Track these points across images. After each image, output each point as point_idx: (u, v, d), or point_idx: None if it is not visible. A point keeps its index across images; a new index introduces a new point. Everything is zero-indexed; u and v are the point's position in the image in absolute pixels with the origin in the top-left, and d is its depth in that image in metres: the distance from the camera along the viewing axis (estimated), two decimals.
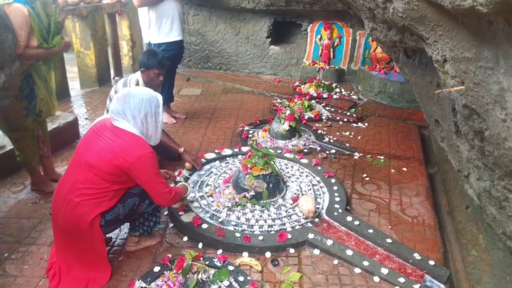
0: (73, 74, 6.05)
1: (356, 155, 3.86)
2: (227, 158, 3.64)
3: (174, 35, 4.30)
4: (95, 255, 2.25)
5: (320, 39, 6.00)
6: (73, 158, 2.30)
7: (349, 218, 2.81)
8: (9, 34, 2.58)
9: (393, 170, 3.61)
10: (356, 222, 2.78)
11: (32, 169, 3.14)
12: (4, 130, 3.00)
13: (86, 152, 2.19)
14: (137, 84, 3.26)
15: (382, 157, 3.82)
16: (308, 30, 6.06)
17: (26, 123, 2.97)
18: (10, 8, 2.59)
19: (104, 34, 5.69)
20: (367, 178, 3.48)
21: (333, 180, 3.30)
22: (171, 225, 2.82)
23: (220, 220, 2.79)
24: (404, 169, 3.63)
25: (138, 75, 3.34)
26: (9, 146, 3.40)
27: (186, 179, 3.25)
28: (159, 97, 2.33)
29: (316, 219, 2.83)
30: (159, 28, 4.21)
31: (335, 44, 5.98)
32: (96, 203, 2.16)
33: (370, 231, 2.70)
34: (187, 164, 3.39)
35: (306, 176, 3.38)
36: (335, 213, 2.88)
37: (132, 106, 2.19)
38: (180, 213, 2.82)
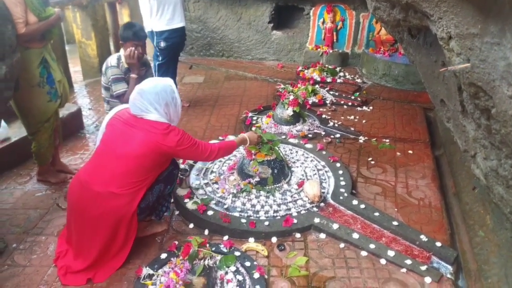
0: (74, 65, 6.04)
1: (361, 139, 3.83)
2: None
3: (176, 22, 4.25)
4: (123, 243, 2.29)
5: (323, 22, 5.92)
6: (101, 150, 2.33)
7: (354, 202, 2.81)
8: (8, 25, 2.57)
9: (398, 153, 3.58)
10: (362, 206, 2.77)
11: (45, 161, 3.16)
12: (29, 122, 2.99)
13: (124, 143, 2.23)
14: (119, 60, 3.19)
15: (387, 140, 3.80)
16: (311, 14, 5.97)
17: (52, 109, 3.00)
18: None
19: (105, 23, 5.64)
20: (372, 162, 3.46)
21: (338, 165, 3.28)
22: (177, 212, 2.83)
23: (225, 206, 2.79)
24: (410, 151, 3.61)
25: (119, 53, 3.28)
26: (14, 138, 3.42)
27: (191, 166, 3.25)
28: (171, 82, 2.37)
29: (322, 204, 2.82)
30: (160, 15, 4.16)
31: (338, 27, 5.90)
32: (135, 192, 2.22)
33: (376, 214, 2.69)
34: None
35: (311, 161, 3.36)
36: (341, 197, 2.87)
37: (151, 100, 2.25)
38: (186, 200, 2.83)
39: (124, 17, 6.12)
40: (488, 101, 1.39)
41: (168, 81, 2.38)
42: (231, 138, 3.69)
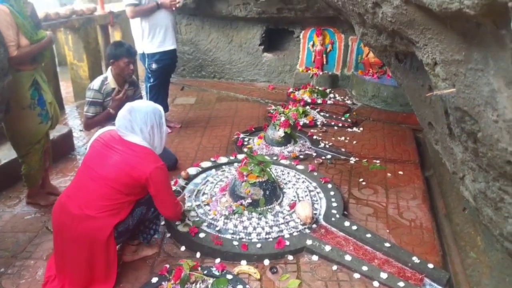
0: (66, 87, 6.05)
1: (352, 160, 3.87)
2: (223, 166, 3.64)
3: (168, 45, 4.31)
4: (105, 267, 2.24)
5: (313, 45, 6.03)
6: (81, 172, 2.30)
7: (346, 223, 2.81)
8: (0, 48, 2.59)
9: (389, 174, 3.62)
10: (354, 227, 2.77)
11: (35, 183, 3.13)
12: (19, 144, 2.98)
13: (100, 166, 2.21)
14: (103, 83, 3.29)
15: (378, 161, 3.83)
16: (301, 36, 6.09)
17: (43, 131, 3.00)
18: None
19: (97, 45, 5.69)
20: (363, 183, 3.48)
21: (329, 186, 3.30)
22: (168, 235, 2.80)
23: (217, 228, 2.78)
24: (400, 172, 3.64)
25: (105, 74, 3.36)
26: (4, 160, 3.39)
27: (183, 188, 3.24)
28: (160, 108, 2.39)
29: (314, 225, 2.82)
30: (152, 38, 4.22)
31: (328, 50, 6.01)
32: (111, 215, 2.18)
33: (368, 235, 2.70)
34: (183, 173, 3.39)
35: (303, 182, 3.38)
36: (333, 219, 2.88)
37: (138, 120, 2.25)
38: (177, 222, 2.81)
39: (116, 39, 6.16)
40: (474, 125, 1.43)
41: (158, 106, 2.40)
42: (223, 159, 3.71)
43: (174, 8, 4.22)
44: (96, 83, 3.29)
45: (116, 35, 6.13)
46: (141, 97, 3.60)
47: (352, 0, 1.89)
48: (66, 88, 5.93)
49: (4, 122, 2.84)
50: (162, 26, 4.21)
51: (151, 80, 4.42)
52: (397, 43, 1.89)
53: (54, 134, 3.82)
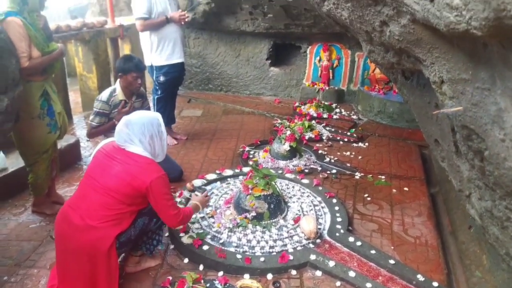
0: (75, 97, 6.11)
1: (357, 175, 3.85)
2: (228, 179, 3.64)
3: (176, 58, 4.36)
4: (106, 278, 2.22)
5: (319, 60, 6.07)
6: (84, 182, 2.30)
7: (351, 239, 2.79)
8: (12, 59, 2.63)
9: (394, 190, 3.60)
10: (358, 243, 2.75)
11: (41, 192, 3.15)
12: (27, 153, 3.01)
13: (102, 176, 2.22)
14: (111, 95, 3.36)
15: (383, 177, 3.82)
16: (307, 52, 6.14)
17: (51, 140, 3.03)
18: (5, 23, 2.64)
19: (106, 57, 5.76)
20: (368, 198, 3.46)
21: (334, 200, 3.29)
22: (171, 246, 2.80)
23: (221, 241, 2.77)
24: (406, 189, 3.63)
25: (114, 86, 3.44)
26: (11, 168, 3.42)
27: (187, 200, 3.24)
28: (158, 116, 2.40)
29: (318, 240, 2.81)
30: (161, 51, 4.27)
31: (334, 65, 6.05)
32: (113, 226, 2.17)
33: (373, 252, 2.68)
34: (188, 185, 3.39)
35: (307, 196, 3.37)
36: (337, 234, 2.86)
37: (136, 132, 2.26)
38: (181, 234, 2.80)
39: (125, 51, 6.25)
40: (481, 144, 1.43)
41: (155, 114, 2.41)
42: (228, 172, 3.71)
43: (183, 23, 4.28)
44: (104, 94, 3.35)
45: (125, 48, 6.21)
46: (148, 109, 3.64)
47: (359, 18, 1.92)
48: (75, 99, 5.99)
49: (13, 131, 2.88)
50: (170, 40, 4.26)
51: (159, 92, 4.46)
52: (404, 61, 1.90)
53: (61, 143, 3.85)
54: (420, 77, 2.13)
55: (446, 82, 1.50)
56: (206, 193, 2.91)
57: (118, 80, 3.43)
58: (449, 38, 1.32)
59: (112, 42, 5.96)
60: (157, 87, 4.46)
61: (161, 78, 4.37)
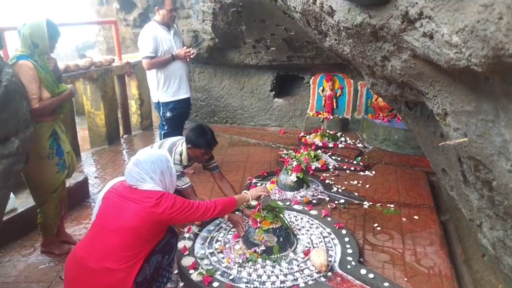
0: (82, 133, 6.20)
1: (366, 204, 3.82)
2: (236, 212, 3.62)
3: (182, 93, 4.44)
4: None
5: (323, 90, 6.15)
6: (96, 224, 2.31)
7: (363, 271, 2.74)
8: (23, 101, 2.69)
9: (404, 219, 3.56)
10: (371, 275, 2.70)
11: (51, 232, 3.15)
12: (37, 193, 3.04)
13: (118, 217, 2.22)
14: (181, 155, 3.27)
15: (392, 206, 3.78)
16: (311, 82, 6.23)
17: (60, 180, 3.06)
18: (17, 66, 2.73)
19: (113, 94, 5.88)
20: (378, 228, 3.42)
21: (344, 231, 3.25)
22: (181, 284, 2.76)
23: (231, 277, 2.73)
24: (416, 217, 3.58)
25: (182, 148, 3.28)
26: (20, 208, 3.43)
27: (196, 235, 3.22)
28: (166, 153, 2.46)
29: (329, 273, 2.76)
30: (167, 88, 4.35)
31: (338, 94, 6.11)
32: (130, 266, 2.17)
33: (386, 284, 2.62)
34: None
35: (316, 227, 3.34)
36: (348, 266, 2.81)
37: (147, 170, 2.30)
38: (191, 271, 2.77)
39: (132, 88, 6.39)
40: (489, 174, 1.43)
41: (163, 151, 2.48)
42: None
43: (188, 59, 4.38)
44: (176, 157, 3.24)
45: (132, 84, 6.34)
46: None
47: (361, 53, 1.96)
48: (82, 135, 6.07)
49: (23, 172, 2.91)
50: (176, 76, 4.35)
51: (165, 128, 4.51)
52: (407, 93, 1.93)
53: (70, 181, 3.88)
54: (423, 107, 2.15)
55: (449, 114, 1.52)
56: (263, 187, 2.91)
57: (187, 146, 3.27)
58: (450, 72, 1.35)
59: (119, 79, 6.10)
60: (164, 123, 4.52)
61: (168, 114, 4.43)
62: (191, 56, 4.39)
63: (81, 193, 4.07)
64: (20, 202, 3.50)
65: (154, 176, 2.30)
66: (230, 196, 2.68)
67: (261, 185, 4.28)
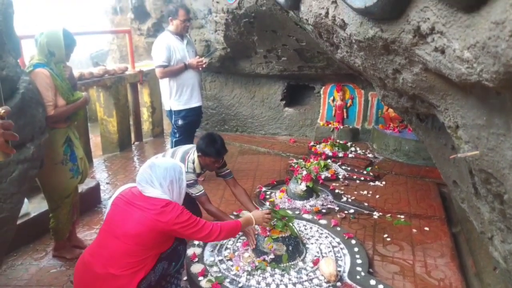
0: (95, 139, 6.28)
1: (376, 215, 3.81)
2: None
3: (194, 102, 4.51)
4: None
5: (333, 100, 6.16)
6: (104, 229, 2.34)
7: (372, 282, 2.74)
8: (39, 108, 2.76)
9: (414, 230, 3.54)
10: (380, 286, 2.69)
11: (63, 236, 3.20)
12: (51, 198, 3.09)
13: (123, 223, 2.25)
14: (194, 163, 3.28)
15: (402, 217, 3.77)
16: (321, 92, 6.25)
17: (73, 185, 3.12)
18: (33, 74, 2.81)
19: (126, 102, 5.97)
20: (388, 239, 3.41)
21: (353, 241, 3.25)
22: None
23: (240, 285, 2.74)
24: (426, 228, 3.56)
25: (194, 156, 3.29)
26: (33, 213, 3.49)
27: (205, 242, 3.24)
28: (182, 166, 2.48)
29: (338, 283, 2.76)
30: (179, 96, 4.42)
31: (348, 104, 6.12)
32: (135, 272, 2.19)
33: None
34: None
35: (326, 237, 3.34)
36: (358, 277, 2.81)
37: (158, 174, 2.32)
38: (200, 278, 2.79)
39: (144, 96, 6.48)
40: (500, 187, 1.43)
41: (179, 163, 2.49)
42: (245, 213, 3.71)
43: (200, 68, 4.45)
44: (189, 165, 3.24)
45: (144, 92, 6.43)
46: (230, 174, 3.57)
47: (372, 66, 1.98)
48: (95, 142, 6.15)
49: (37, 177, 2.97)
50: (188, 85, 4.42)
51: (177, 135, 4.57)
52: (418, 105, 1.94)
53: (82, 187, 3.93)
54: (435, 119, 2.16)
55: (461, 127, 1.53)
56: (268, 211, 2.94)
57: (197, 155, 3.29)
58: (461, 86, 1.37)
59: (131, 87, 6.20)
60: (175, 130, 4.58)
61: (179, 122, 4.49)
62: (204, 66, 4.45)
63: (92, 198, 4.13)
64: (33, 206, 3.56)
65: (163, 182, 2.32)
66: (236, 220, 2.66)
67: (270, 193, 4.30)
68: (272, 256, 2.93)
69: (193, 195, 3.23)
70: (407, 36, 1.52)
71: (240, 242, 3.25)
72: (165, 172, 2.34)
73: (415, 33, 1.46)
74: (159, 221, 2.21)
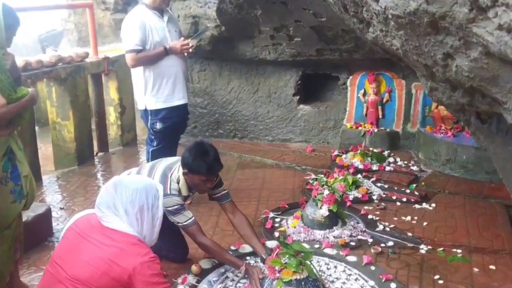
0: (45, 150, 6.30)
1: (423, 249, 3.81)
2: (247, 257, 3.64)
3: (177, 99, 4.50)
4: None
5: (364, 94, 6.17)
6: (48, 270, 2.32)
7: None
8: None
9: (476, 269, 3.53)
10: None
11: (2, 281, 3.19)
12: None
13: (71, 263, 2.22)
14: (179, 183, 3.29)
15: (459, 251, 3.76)
16: (348, 83, 6.26)
17: (15, 212, 3.09)
18: None
19: (86, 99, 5.99)
20: (440, 281, 3.40)
21: (393, 285, 3.24)
22: None
23: None
24: (492, 267, 3.55)
25: (179, 174, 3.32)
26: None
27: (193, 287, 3.24)
28: (160, 187, 2.44)
29: None
30: (157, 91, 4.41)
31: (384, 100, 6.13)
32: None
33: None
34: (194, 267, 3.39)
35: (356, 280, 3.34)
36: None
37: (124, 199, 2.28)
38: None
39: (110, 91, 6.48)
40: None
41: (156, 184, 2.46)
42: (246, 248, 3.71)
43: (186, 54, 4.46)
44: (173, 185, 3.27)
45: (110, 86, 6.45)
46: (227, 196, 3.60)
47: (416, 49, 1.98)
48: (45, 153, 6.18)
49: None
50: (170, 76, 4.42)
51: (154, 144, 4.56)
52: (478, 101, 1.94)
53: (28, 214, 3.92)
54: (501, 120, 2.15)
55: None
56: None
57: (182, 171, 3.31)
58: None
59: (94, 80, 6.22)
60: (153, 137, 4.57)
61: (158, 125, 4.48)
62: (190, 50, 4.47)
63: (41, 229, 4.12)
64: None
65: (130, 209, 2.27)
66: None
67: (280, 221, 4.29)
68: None
69: (180, 224, 3.22)
70: (461, 10, 1.52)
71: (240, 286, 3.25)
72: (134, 194, 2.29)
73: (472, 6, 1.47)
74: (115, 264, 2.16)
